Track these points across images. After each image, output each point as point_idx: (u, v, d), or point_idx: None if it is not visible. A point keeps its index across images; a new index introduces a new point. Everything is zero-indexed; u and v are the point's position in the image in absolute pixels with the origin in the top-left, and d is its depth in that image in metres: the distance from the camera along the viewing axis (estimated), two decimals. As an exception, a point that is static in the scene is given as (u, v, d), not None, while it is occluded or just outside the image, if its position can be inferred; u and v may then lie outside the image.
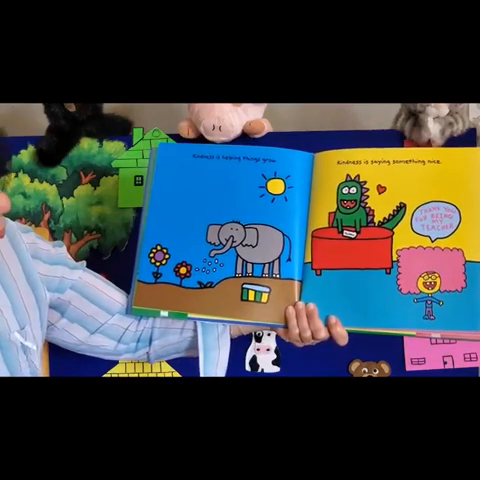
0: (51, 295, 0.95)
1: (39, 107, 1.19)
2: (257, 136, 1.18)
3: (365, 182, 0.93)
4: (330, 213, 0.93)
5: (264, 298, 0.93)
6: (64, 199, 1.21)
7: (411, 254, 0.90)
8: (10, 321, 0.86)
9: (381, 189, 0.93)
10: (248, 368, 1.20)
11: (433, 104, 1.11)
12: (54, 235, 1.21)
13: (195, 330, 0.99)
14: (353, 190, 0.93)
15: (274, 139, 1.18)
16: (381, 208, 0.92)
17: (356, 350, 1.16)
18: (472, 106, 1.21)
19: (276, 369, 1.20)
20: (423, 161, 0.92)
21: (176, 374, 1.18)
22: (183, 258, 0.96)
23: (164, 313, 0.96)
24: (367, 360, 1.18)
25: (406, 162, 0.93)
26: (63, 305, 0.97)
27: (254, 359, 1.20)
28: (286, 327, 0.92)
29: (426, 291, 0.89)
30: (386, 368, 1.18)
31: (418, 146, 1.15)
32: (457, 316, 0.87)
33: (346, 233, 0.92)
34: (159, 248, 0.97)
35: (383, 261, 0.90)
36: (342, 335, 0.90)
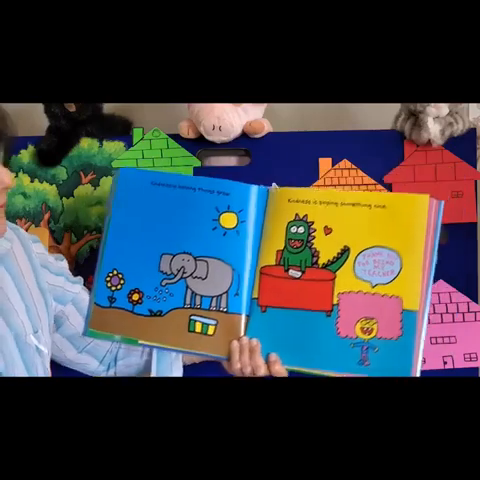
0: (55, 305, 0.97)
1: (39, 107, 1.19)
2: (257, 136, 1.17)
3: (312, 222, 0.94)
4: (278, 251, 0.94)
5: (210, 331, 0.94)
6: (64, 199, 1.21)
7: (351, 298, 0.91)
8: (25, 323, 0.87)
9: (327, 231, 0.94)
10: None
11: (433, 104, 1.10)
12: (54, 235, 1.21)
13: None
14: (301, 230, 0.94)
15: (274, 139, 1.18)
16: (326, 250, 0.93)
17: (356, 350, 1.16)
18: (472, 106, 1.21)
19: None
20: (369, 205, 0.92)
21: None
22: (136, 285, 0.98)
23: (117, 337, 0.98)
24: (367, 360, 1.18)
25: (353, 205, 0.93)
26: (62, 319, 0.99)
27: (254, 359, 1.20)
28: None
29: (363, 336, 0.90)
30: (386, 368, 1.17)
31: (418, 146, 1.15)
32: (391, 364, 0.89)
33: (291, 272, 0.94)
34: (115, 273, 0.99)
35: (324, 303, 0.92)
36: (281, 373, 0.91)
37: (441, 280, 1.14)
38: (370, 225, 0.92)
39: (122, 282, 0.98)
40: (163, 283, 0.96)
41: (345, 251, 0.92)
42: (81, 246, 1.21)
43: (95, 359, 1.02)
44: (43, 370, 0.89)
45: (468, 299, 1.14)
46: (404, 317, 0.89)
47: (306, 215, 0.94)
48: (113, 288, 0.98)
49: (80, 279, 1.04)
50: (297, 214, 0.94)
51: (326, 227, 0.93)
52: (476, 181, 1.15)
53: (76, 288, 1.01)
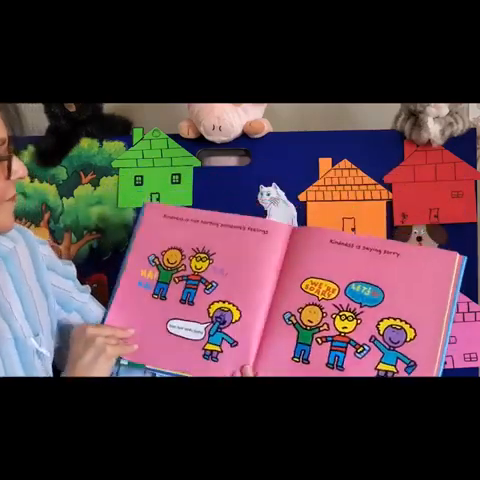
0: (58, 309, 0.97)
1: (39, 107, 1.19)
2: (257, 136, 1.17)
3: None
4: None
5: None
6: (64, 199, 1.21)
7: None
8: (24, 327, 0.87)
9: None
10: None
11: (433, 104, 1.10)
12: (54, 235, 1.21)
13: None
14: None
15: (274, 139, 1.18)
16: None
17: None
18: (472, 106, 1.21)
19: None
20: None
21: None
22: None
23: (124, 362, 0.98)
24: (367, 360, 1.17)
25: None
26: (66, 328, 0.98)
27: (254, 359, 1.20)
28: None
29: None
30: (386, 368, 1.17)
31: (418, 146, 1.15)
32: None
33: None
34: None
35: None
36: None
37: (441, 280, 1.14)
38: None
39: None
40: None
41: None
42: (81, 246, 1.21)
43: None
44: (44, 373, 0.89)
45: (468, 299, 1.14)
46: None
47: None
48: None
49: (88, 288, 1.03)
50: None
51: None
52: (476, 181, 1.15)
53: (84, 297, 1.00)
